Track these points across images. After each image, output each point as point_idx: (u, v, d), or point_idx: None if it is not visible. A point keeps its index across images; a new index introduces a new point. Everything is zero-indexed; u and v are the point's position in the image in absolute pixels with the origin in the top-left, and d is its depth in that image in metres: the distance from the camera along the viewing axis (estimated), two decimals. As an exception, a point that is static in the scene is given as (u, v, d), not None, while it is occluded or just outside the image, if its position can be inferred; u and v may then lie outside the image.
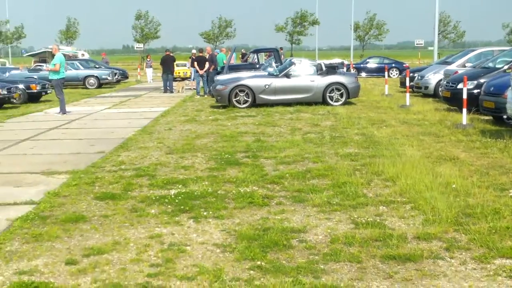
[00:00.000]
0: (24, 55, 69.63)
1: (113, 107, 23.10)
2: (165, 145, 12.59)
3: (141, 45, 71.15)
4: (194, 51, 31.18)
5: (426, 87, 23.55)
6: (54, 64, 20.05)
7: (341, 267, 5.31)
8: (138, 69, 48.04)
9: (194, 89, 30.34)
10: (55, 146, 13.02)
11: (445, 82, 18.85)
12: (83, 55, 58.44)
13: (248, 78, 21.17)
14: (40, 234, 6.41)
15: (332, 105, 20.12)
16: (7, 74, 33.85)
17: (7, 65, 50.02)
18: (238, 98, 20.34)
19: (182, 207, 7.38)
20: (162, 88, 31.61)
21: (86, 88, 36.28)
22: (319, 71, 20.79)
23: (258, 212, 7.15)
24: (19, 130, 16.02)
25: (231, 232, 6.38)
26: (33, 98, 25.91)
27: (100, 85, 36.99)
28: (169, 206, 7.46)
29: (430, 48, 42.84)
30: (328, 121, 16.03)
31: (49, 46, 50.90)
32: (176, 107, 21.85)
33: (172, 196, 7.91)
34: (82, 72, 37.43)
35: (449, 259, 5.47)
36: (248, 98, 20.31)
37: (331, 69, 21.23)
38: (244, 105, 20.22)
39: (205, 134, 14.16)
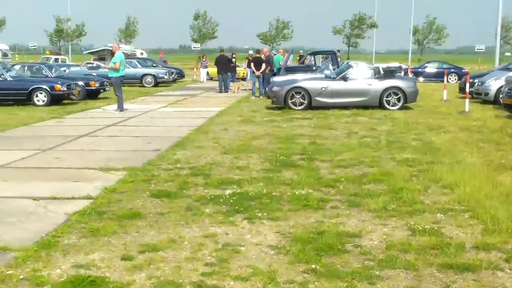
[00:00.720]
0: (84, 52, 71.03)
1: (169, 105, 23.34)
2: (221, 145, 12.64)
3: (198, 45, 71.69)
4: (251, 52, 31.27)
5: (487, 94, 23.01)
6: (114, 62, 20.37)
7: (396, 274, 5.21)
8: (195, 68, 48.43)
9: (249, 90, 30.41)
10: (113, 143, 13.21)
11: (506, 89, 18.40)
12: (142, 53, 59.31)
13: (305, 80, 21.10)
14: (97, 229, 6.50)
15: (389, 109, 19.87)
16: (67, 71, 34.58)
17: (67, 62, 51.15)
18: (294, 100, 20.29)
19: (236, 207, 7.38)
20: (218, 88, 31.79)
21: (143, 86, 36.77)
22: (377, 74, 20.57)
23: (312, 215, 7.09)
24: (78, 126, 16.33)
25: (285, 234, 6.35)
26: (91, 95, 26.41)
27: (157, 84, 37.43)
28: (223, 206, 7.48)
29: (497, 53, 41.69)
30: (384, 126, 15.84)
31: (108, 44, 51.85)
32: (231, 108, 21.94)
33: (227, 196, 7.92)
34: (140, 70, 37.95)
35: (508, 270, 5.31)
36: (304, 100, 20.23)
37: (389, 73, 20.96)
38: (300, 107, 20.15)
39: (261, 135, 14.16)
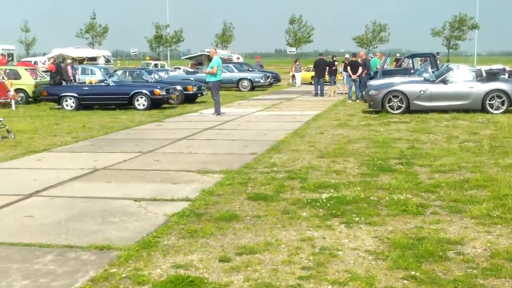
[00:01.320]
0: (182, 57, 72.63)
1: (265, 109, 23.48)
2: (317, 148, 12.57)
3: (293, 49, 71.90)
4: (347, 55, 31.00)
5: None
6: (212, 67, 20.69)
7: (502, 284, 4.99)
8: (291, 72, 48.53)
9: (346, 93, 30.16)
10: (210, 146, 13.41)
11: None
12: (238, 58, 60.03)
13: (403, 84, 20.71)
14: (195, 231, 6.59)
15: (492, 113, 19.17)
16: (166, 76, 35.45)
17: (166, 67, 52.44)
18: (391, 104, 19.95)
19: (333, 211, 7.31)
20: (313, 91, 31.71)
21: (240, 90, 37.18)
22: (479, 77, 19.90)
23: (412, 221, 6.92)
24: (176, 130, 16.69)
25: (383, 239, 6.22)
26: (189, 99, 26.96)
27: (253, 88, 37.78)
28: (320, 210, 7.42)
29: None
30: (487, 130, 15.29)
31: (205, 50, 52.77)
32: (327, 111, 21.82)
33: (324, 200, 7.85)
34: (236, 74, 38.42)
35: None
36: (402, 104, 19.85)
37: (492, 75, 20.23)
38: (398, 111, 19.78)
39: (357, 139, 13.99)
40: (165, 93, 23.80)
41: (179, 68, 40.76)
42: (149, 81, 27.71)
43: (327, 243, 6.11)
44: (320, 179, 9.34)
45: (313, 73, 39.89)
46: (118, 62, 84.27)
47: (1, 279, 5.25)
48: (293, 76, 45.51)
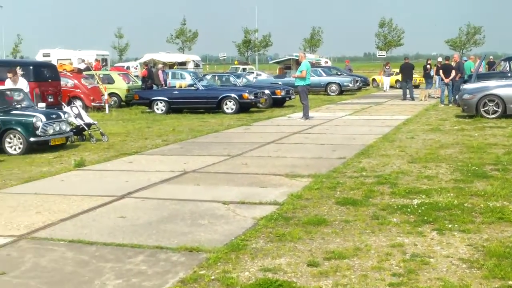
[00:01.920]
0: (270, 62, 72.94)
1: (354, 113, 23.23)
2: (407, 153, 12.30)
3: (383, 53, 70.88)
4: (440, 59, 30.26)
5: None
6: (301, 71, 20.65)
7: None
8: (380, 76, 47.91)
9: (438, 97, 29.43)
10: (298, 150, 13.36)
11: None
12: (326, 62, 59.75)
13: (499, 87, 19.98)
14: (283, 234, 6.56)
15: None
16: (254, 80, 35.69)
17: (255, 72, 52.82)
18: (486, 108, 19.30)
19: (425, 217, 7.10)
20: (402, 95, 31.14)
21: (328, 94, 36.98)
22: None
23: (509, 229, 6.63)
24: (264, 133, 16.74)
25: (478, 247, 5.99)
26: (277, 103, 27.01)
27: (341, 92, 37.48)
28: (411, 216, 7.23)
29: None
30: None
31: (293, 54, 52.78)
32: (418, 116, 21.35)
33: (415, 206, 7.65)
34: (325, 79, 38.22)
35: None
36: (498, 108, 19.16)
37: None
38: (493, 116, 19.11)
39: (450, 144, 13.60)
40: (253, 97, 23.94)
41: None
42: (238, 85, 27.96)
43: (418, 250, 5.94)
44: (411, 184, 9.12)
45: (397, 77, 39.25)
46: (207, 66, 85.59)
47: (95, 277, 5.38)
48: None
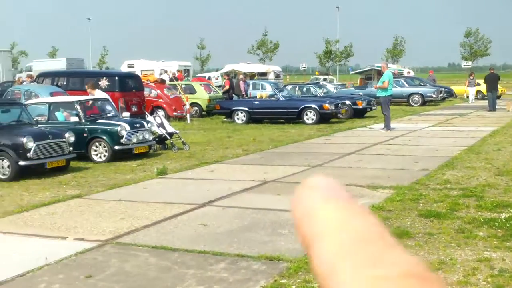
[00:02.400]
0: (351, 72, 72.41)
1: (437, 125, 22.72)
2: (494, 166, 11.91)
3: (469, 63, 69.19)
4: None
5: None
6: (383, 81, 20.39)
7: None
8: (465, 87, 46.82)
9: (525, 109, 28.42)
10: (379, 161, 13.17)
11: None
12: (408, 72, 58.81)
13: None
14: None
15: None
16: (335, 90, 35.47)
17: (335, 82, 52.57)
18: None
19: (513, 232, 6.86)
20: (488, 106, 30.26)
21: (410, 105, 36.33)
22: None
23: None
24: (345, 144, 16.59)
25: None
26: (358, 113, 26.75)
27: (424, 103, 36.75)
28: (499, 230, 6.99)
29: None
30: None
31: (375, 64, 52.24)
32: (506, 127, 20.66)
33: (503, 220, 7.39)
34: (407, 89, 37.57)
35: None
36: None
37: None
38: None
39: (539, 156, 13.11)
40: (334, 108, 23.81)
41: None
42: (318, 95, 27.89)
43: (507, 265, 5.73)
44: (498, 198, 8.82)
45: (479, 88, 38.18)
46: (288, 77, 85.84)
47: (177, 283, 5.45)
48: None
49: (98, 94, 16.85)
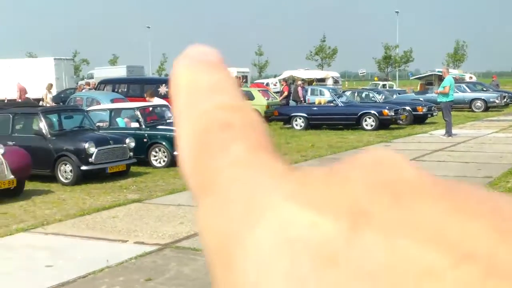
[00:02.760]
0: (411, 78, 71.54)
1: (500, 131, 22.19)
2: (560, 173, 11.56)
3: (532, 68, 67.43)
4: None
5: None
6: (444, 87, 20.05)
7: None
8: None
9: None
10: (440, 168, 12.93)
11: None
12: (470, 78, 57.73)
13: None
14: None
15: None
16: (395, 96, 35.10)
17: (394, 88, 52.02)
18: None
19: None
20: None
21: (472, 111, 35.62)
22: None
23: None
24: (405, 151, 16.35)
25: None
26: (418, 119, 26.36)
27: (487, 108, 35.98)
28: None
29: None
30: None
31: (435, 69, 51.46)
32: None
33: None
34: (469, 94, 36.86)
35: None
36: None
37: None
38: None
39: None
40: (393, 114, 23.54)
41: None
42: (378, 101, 27.63)
43: None
44: None
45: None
46: (346, 83, 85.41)
47: None
48: None
49: (157, 102, 17.11)
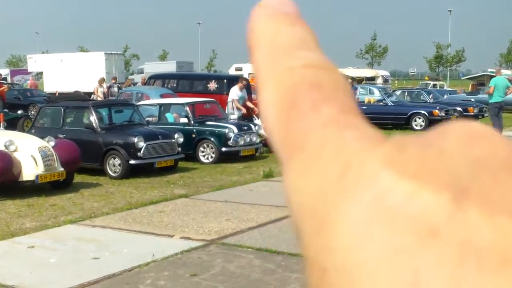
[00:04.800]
0: (462, 78, 70.38)
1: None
2: None
3: None
4: None
5: None
6: (489, 87, 19.61)
7: None
8: None
9: None
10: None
11: None
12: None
13: None
14: None
15: None
16: (445, 96, 34.53)
17: (445, 88, 51.18)
18: None
19: None
20: None
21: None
22: None
23: None
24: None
25: None
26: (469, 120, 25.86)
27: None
28: None
29: None
30: None
31: (488, 70, 50.50)
32: None
33: None
34: (522, 96, 36.02)
35: None
36: None
37: None
38: None
39: None
40: (444, 114, 23.14)
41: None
42: (428, 101, 27.21)
43: None
44: None
45: None
46: (396, 82, 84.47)
47: (281, 286, 5.40)
48: None
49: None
